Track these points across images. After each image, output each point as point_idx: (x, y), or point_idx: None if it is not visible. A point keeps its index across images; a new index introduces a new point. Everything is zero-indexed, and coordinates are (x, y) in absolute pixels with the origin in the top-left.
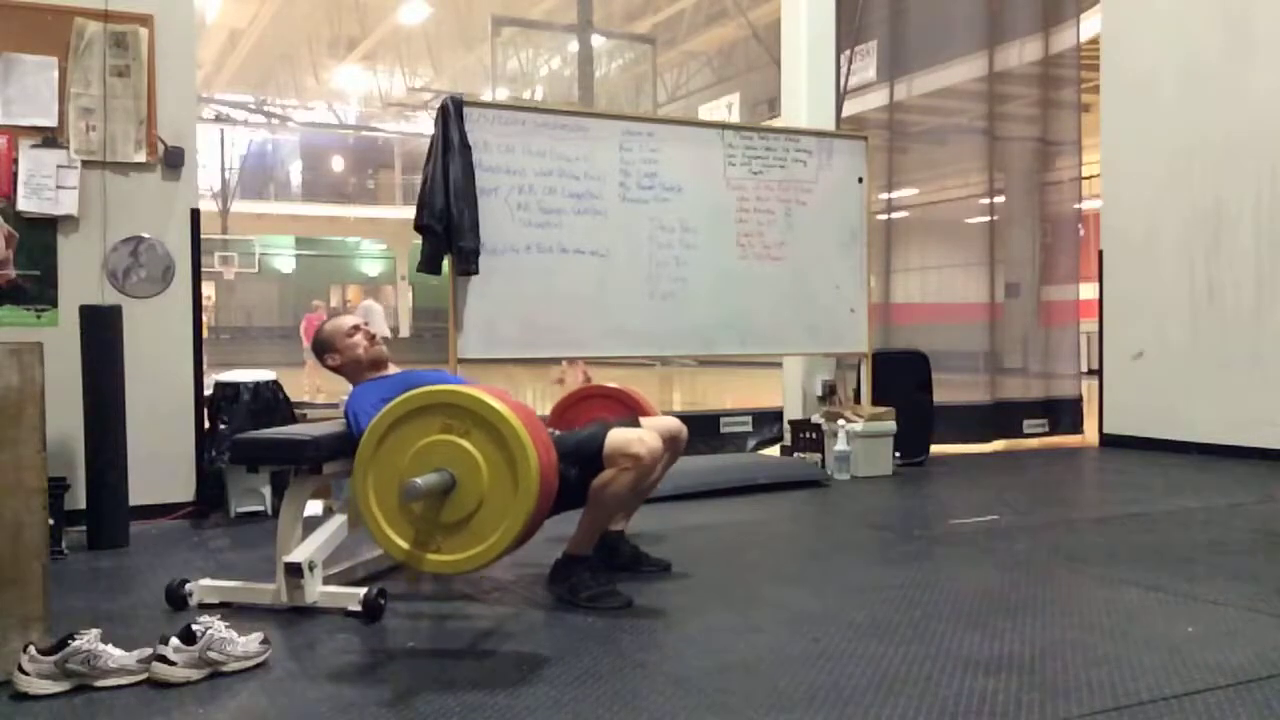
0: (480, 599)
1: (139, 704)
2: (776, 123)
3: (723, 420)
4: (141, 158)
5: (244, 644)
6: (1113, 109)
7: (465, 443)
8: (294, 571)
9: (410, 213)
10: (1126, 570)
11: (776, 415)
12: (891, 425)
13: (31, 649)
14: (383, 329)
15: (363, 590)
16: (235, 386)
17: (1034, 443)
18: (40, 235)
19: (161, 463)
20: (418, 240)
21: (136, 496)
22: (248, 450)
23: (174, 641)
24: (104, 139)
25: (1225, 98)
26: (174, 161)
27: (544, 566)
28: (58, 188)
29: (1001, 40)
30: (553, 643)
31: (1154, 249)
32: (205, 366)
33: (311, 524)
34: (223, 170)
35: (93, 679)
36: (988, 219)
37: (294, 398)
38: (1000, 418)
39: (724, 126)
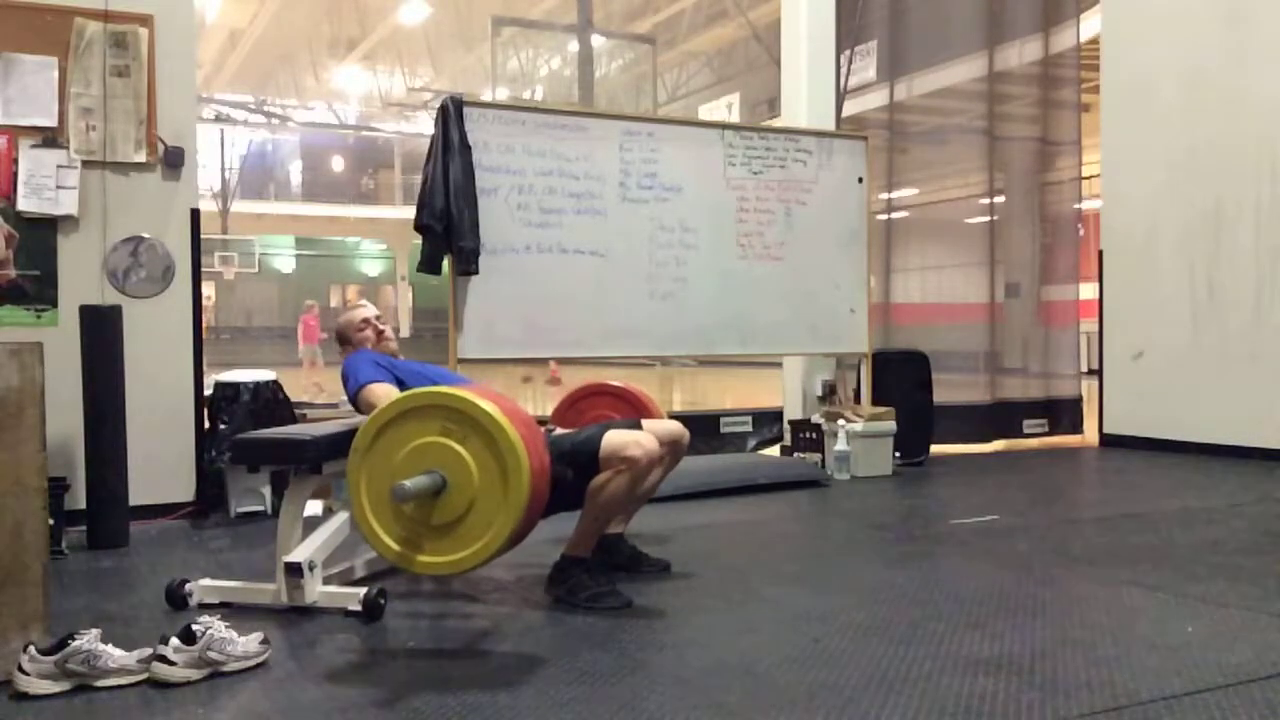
0: (480, 599)
1: (139, 704)
2: (776, 123)
3: (723, 420)
4: (141, 158)
5: (244, 644)
6: (1113, 109)
7: (460, 448)
8: (294, 571)
9: (410, 213)
10: (1126, 570)
11: (776, 415)
12: (891, 425)
13: (31, 649)
14: None
15: (363, 590)
16: (235, 386)
17: (1034, 443)
18: (40, 235)
19: (161, 463)
20: (418, 240)
21: (136, 496)
22: (248, 450)
23: (174, 641)
24: (104, 139)
25: (1225, 98)
26: (174, 161)
27: (544, 567)
28: (58, 188)
29: (1001, 40)
30: (553, 643)
31: (1154, 249)
32: (205, 366)
33: (311, 524)
34: (223, 170)
35: (93, 679)
36: (988, 219)
37: (294, 398)
38: (1000, 418)
39: (724, 126)
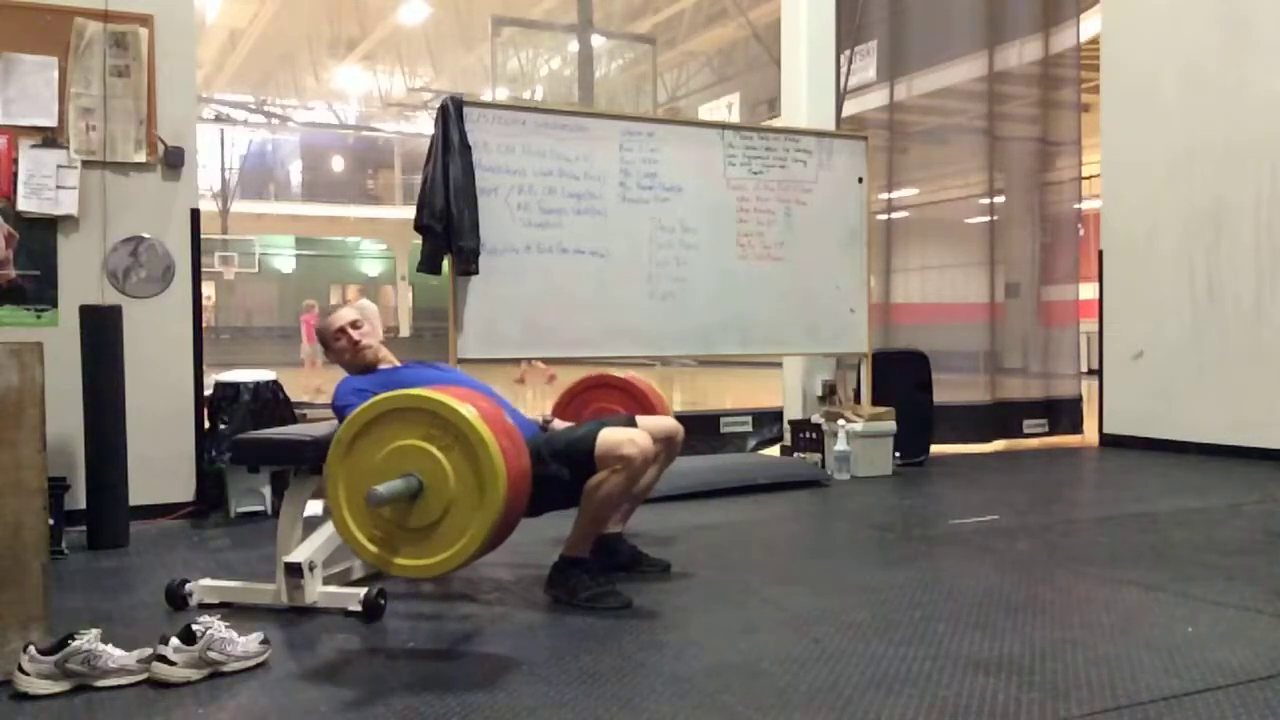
0: (480, 599)
1: (139, 704)
2: (776, 123)
3: (723, 420)
4: (141, 158)
5: (244, 644)
6: (1113, 109)
7: (440, 454)
8: (294, 571)
9: (410, 213)
10: (1126, 570)
11: (776, 415)
12: (891, 425)
13: (31, 649)
14: (376, 331)
15: (363, 590)
16: (235, 386)
17: (1034, 443)
18: (40, 235)
19: (161, 463)
20: (418, 240)
21: (136, 496)
22: (248, 450)
23: (174, 641)
24: (104, 139)
25: (1225, 97)
26: (174, 161)
27: (544, 567)
28: (58, 188)
29: (1001, 40)
30: (553, 643)
31: (1154, 249)
32: (205, 366)
33: (311, 524)
34: (223, 170)
35: (93, 679)
36: (988, 219)
37: (294, 398)
38: (1000, 418)
39: (724, 126)
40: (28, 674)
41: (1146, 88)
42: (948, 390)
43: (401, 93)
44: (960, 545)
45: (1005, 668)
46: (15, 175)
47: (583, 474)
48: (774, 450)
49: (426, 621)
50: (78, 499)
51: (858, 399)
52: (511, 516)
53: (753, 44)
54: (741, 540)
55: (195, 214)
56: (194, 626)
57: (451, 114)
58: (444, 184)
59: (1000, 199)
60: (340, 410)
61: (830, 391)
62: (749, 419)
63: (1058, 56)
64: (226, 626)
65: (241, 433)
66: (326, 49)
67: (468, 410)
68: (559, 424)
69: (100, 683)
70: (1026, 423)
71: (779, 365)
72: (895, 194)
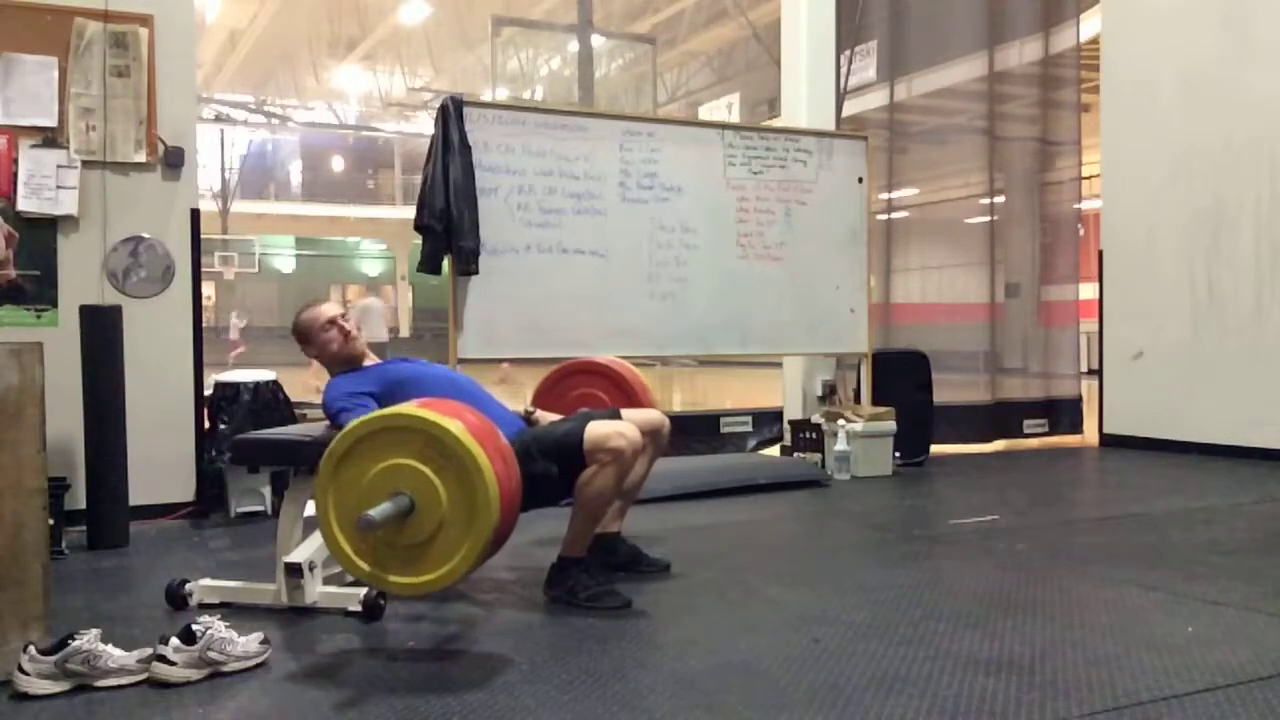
0: (480, 599)
1: (139, 704)
2: (776, 123)
3: (723, 420)
4: (141, 158)
5: (244, 644)
6: (1113, 109)
7: (433, 475)
8: (294, 571)
9: (410, 213)
10: (1126, 570)
11: (776, 415)
12: (891, 425)
13: (31, 649)
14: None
15: (362, 590)
16: (235, 386)
17: (1034, 443)
18: (40, 235)
19: (161, 463)
20: (418, 240)
21: (136, 496)
22: (248, 451)
23: (174, 641)
24: (104, 139)
25: (1225, 97)
26: (174, 161)
27: (543, 567)
28: (58, 188)
29: (1001, 40)
30: (553, 643)
31: (1154, 249)
32: (204, 366)
33: (312, 524)
34: (223, 170)
35: (93, 679)
36: (988, 219)
37: (294, 398)
38: (1000, 418)
39: (724, 126)
40: (28, 674)
41: (1146, 88)
42: (948, 390)
43: (401, 93)
44: (960, 545)
45: (1005, 668)
46: (15, 175)
47: (572, 469)
48: (774, 450)
49: (426, 621)
50: (78, 499)
51: (858, 399)
52: (503, 536)
53: (753, 44)
54: (741, 540)
55: (195, 214)
56: (194, 626)
57: (451, 114)
58: (444, 184)
59: (1000, 199)
60: (335, 415)
61: (830, 391)
62: (749, 419)
63: (1058, 57)
64: (226, 626)
65: (241, 433)
66: (326, 49)
67: (462, 432)
68: (542, 415)
69: (100, 683)
70: (1026, 423)
71: (779, 365)
72: (895, 194)
